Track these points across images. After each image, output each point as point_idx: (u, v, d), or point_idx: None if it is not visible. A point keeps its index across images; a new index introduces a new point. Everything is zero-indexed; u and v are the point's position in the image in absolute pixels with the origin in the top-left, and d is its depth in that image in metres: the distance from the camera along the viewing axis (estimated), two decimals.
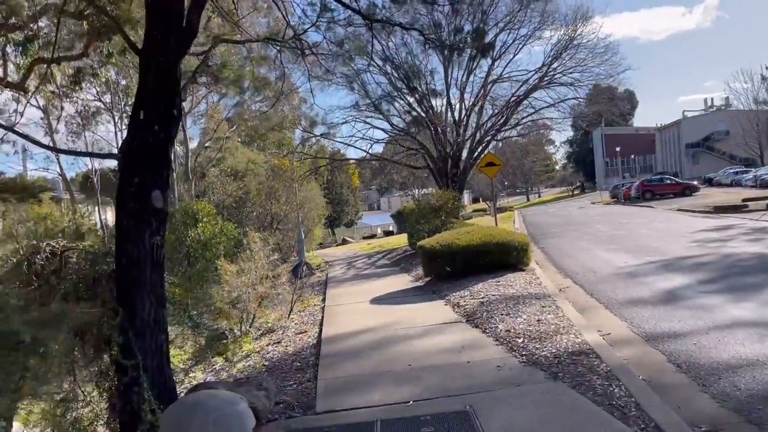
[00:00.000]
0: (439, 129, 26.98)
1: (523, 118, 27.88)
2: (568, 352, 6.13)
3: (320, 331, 9.01)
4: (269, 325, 10.42)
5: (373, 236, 56.90)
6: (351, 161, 37.37)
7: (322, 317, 10.19)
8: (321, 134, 24.97)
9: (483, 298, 9.51)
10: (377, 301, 11.42)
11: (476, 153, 27.57)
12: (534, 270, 12.16)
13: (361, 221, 73.89)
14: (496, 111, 27.37)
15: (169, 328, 13.88)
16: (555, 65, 26.00)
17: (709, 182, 53.20)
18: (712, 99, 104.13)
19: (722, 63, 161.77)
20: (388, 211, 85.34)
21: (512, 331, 7.18)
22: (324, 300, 12.54)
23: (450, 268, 11.92)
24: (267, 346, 8.79)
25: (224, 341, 10.12)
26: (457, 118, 27.33)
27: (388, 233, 56.18)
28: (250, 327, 10.10)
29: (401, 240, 31.03)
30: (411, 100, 27.18)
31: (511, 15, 25.02)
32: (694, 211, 26.97)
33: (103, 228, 36.38)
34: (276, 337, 9.26)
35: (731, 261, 11.45)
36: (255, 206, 21.08)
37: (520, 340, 6.69)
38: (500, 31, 25.62)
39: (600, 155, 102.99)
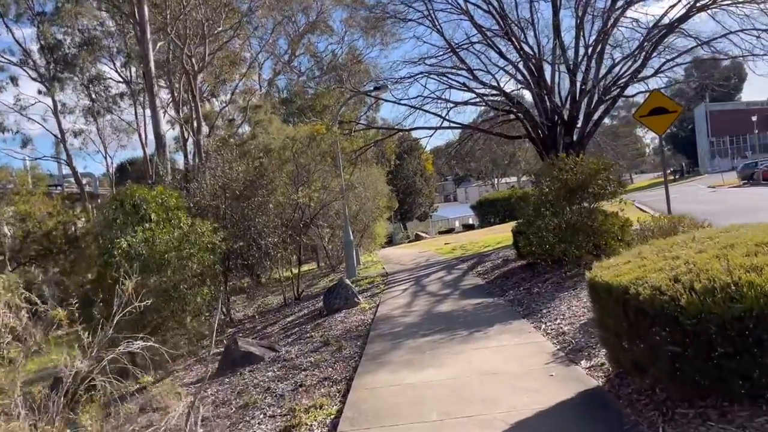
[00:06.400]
0: (544, 82, 18.69)
1: (670, 59, 18.64)
2: None
3: None
4: None
5: (450, 230, 48.84)
6: (422, 130, 29.10)
7: None
8: (374, 89, 17.08)
9: None
10: None
11: (596, 115, 19.15)
12: None
13: (437, 213, 65.26)
14: (630, 50, 18.48)
15: None
16: None
17: None
18: None
19: None
20: (466, 203, 76.82)
21: None
22: None
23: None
24: None
25: None
26: (571, 64, 18.80)
27: (467, 227, 48.08)
28: None
29: (489, 237, 22.91)
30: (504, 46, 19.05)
31: None
32: None
33: None
34: None
35: None
36: (272, 194, 13.43)
37: None
38: None
39: (704, 135, 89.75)
